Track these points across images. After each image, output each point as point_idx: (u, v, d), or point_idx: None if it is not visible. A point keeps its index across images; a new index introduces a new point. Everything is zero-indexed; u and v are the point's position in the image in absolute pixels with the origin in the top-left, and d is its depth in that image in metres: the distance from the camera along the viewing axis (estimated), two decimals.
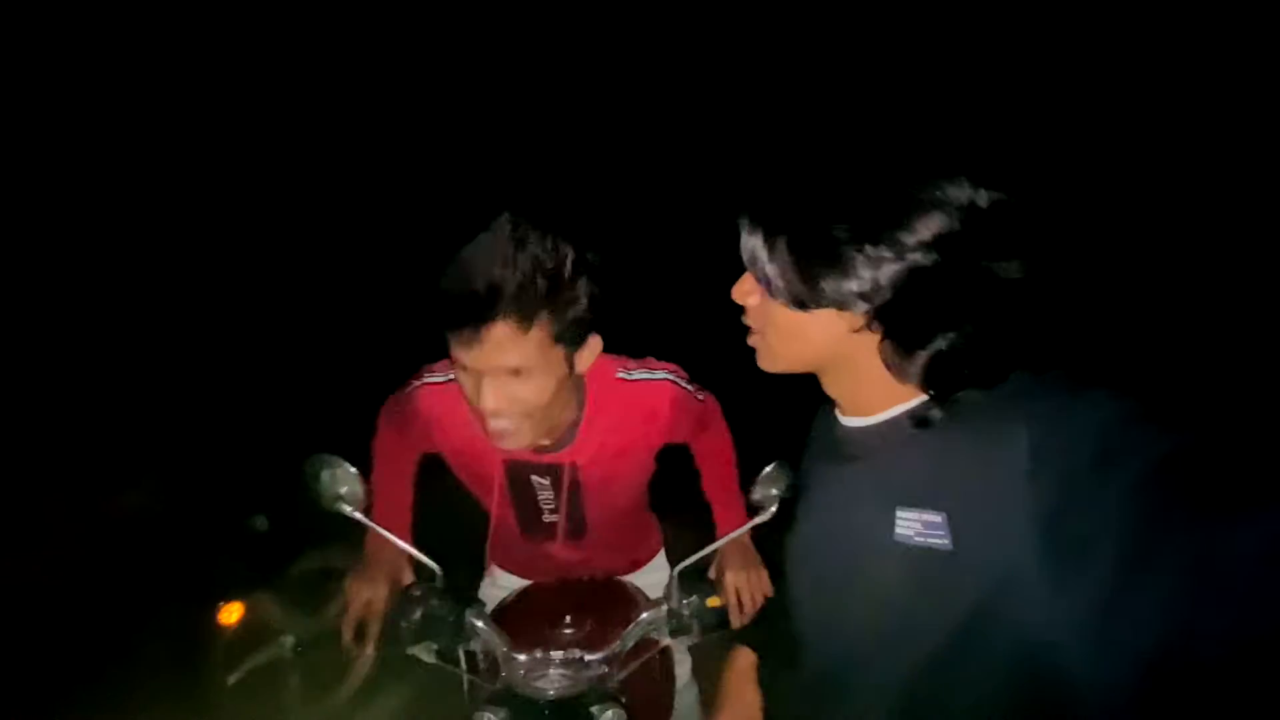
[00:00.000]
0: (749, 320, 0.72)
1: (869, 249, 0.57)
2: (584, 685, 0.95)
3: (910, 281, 0.57)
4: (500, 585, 1.38)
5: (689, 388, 1.19)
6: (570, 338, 0.90)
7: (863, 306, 0.60)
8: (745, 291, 0.70)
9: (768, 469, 1.05)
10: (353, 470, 1.03)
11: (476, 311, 0.81)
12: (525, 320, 0.83)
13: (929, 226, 0.56)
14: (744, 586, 1.11)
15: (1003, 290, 0.58)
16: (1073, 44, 4.35)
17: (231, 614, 1.76)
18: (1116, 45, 4.26)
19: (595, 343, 0.96)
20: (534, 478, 1.15)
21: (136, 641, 2.12)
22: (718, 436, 1.33)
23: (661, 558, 1.47)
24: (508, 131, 5.14)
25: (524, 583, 1.33)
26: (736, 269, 0.70)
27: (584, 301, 0.89)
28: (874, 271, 0.58)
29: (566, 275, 0.86)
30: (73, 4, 3.81)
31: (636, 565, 1.41)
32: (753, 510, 1.06)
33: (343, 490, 1.02)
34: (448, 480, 1.25)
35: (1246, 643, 0.42)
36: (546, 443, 1.07)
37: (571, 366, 0.93)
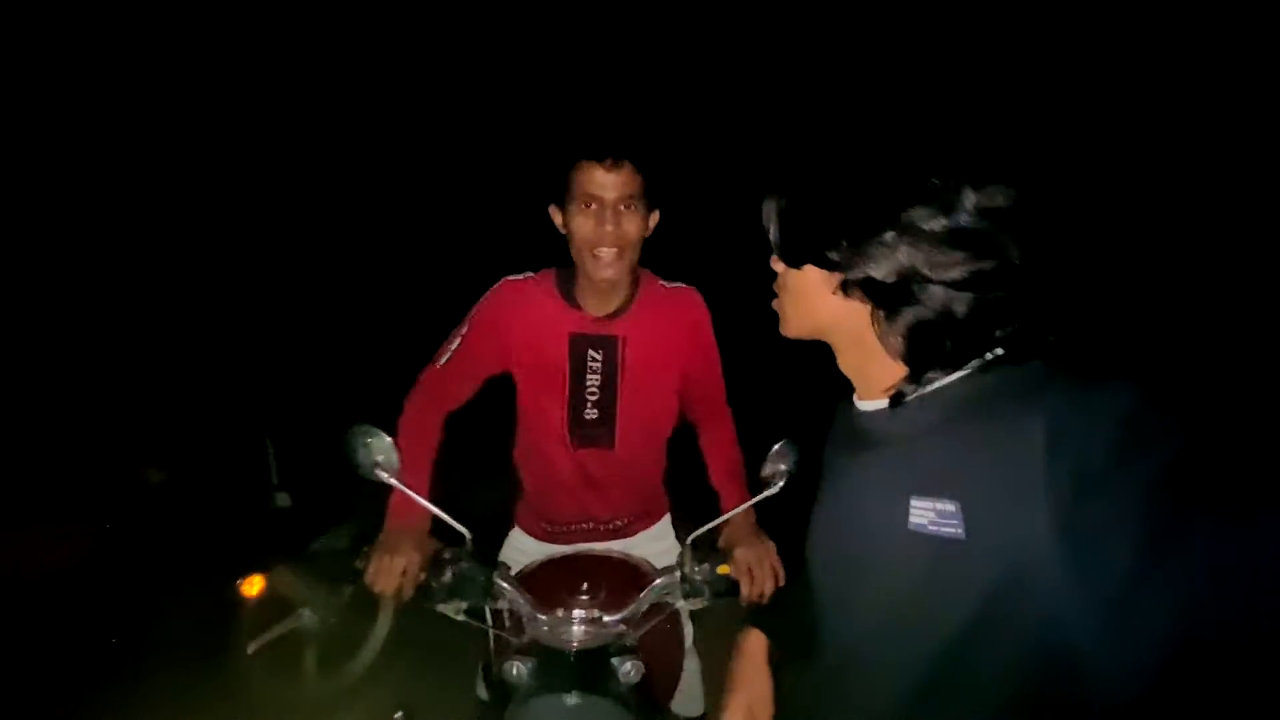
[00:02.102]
0: (777, 286, 0.78)
1: (850, 218, 0.64)
2: (605, 639, 1.02)
3: (882, 253, 0.62)
4: (521, 550, 1.47)
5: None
6: (653, 197, 1.25)
7: (837, 265, 0.66)
8: (773, 260, 0.77)
9: (776, 446, 1.12)
10: (388, 439, 1.10)
11: (619, 149, 1.16)
12: (639, 168, 1.19)
13: (910, 213, 0.61)
14: (752, 558, 1.17)
15: (984, 270, 0.60)
16: (1075, 39, 4.37)
17: (253, 587, 1.83)
18: (1120, 41, 4.28)
19: (655, 216, 1.29)
20: (590, 352, 1.34)
21: (160, 615, 2.19)
22: (725, 426, 1.47)
23: (667, 524, 1.56)
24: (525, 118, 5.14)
25: (543, 548, 1.43)
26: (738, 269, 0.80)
27: (655, 175, 1.24)
28: (849, 236, 0.64)
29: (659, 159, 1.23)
30: (73, 4, 3.83)
31: (646, 518, 1.51)
32: (761, 487, 1.14)
33: (379, 458, 1.08)
34: (470, 456, 1.32)
35: (1263, 637, 0.43)
36: (608, 311, 1.33)
37: (646, 224, 1.26)
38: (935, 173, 0.61)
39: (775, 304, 0.79)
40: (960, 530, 0.57)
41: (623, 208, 1.18)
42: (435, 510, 1.08)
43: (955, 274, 0.60)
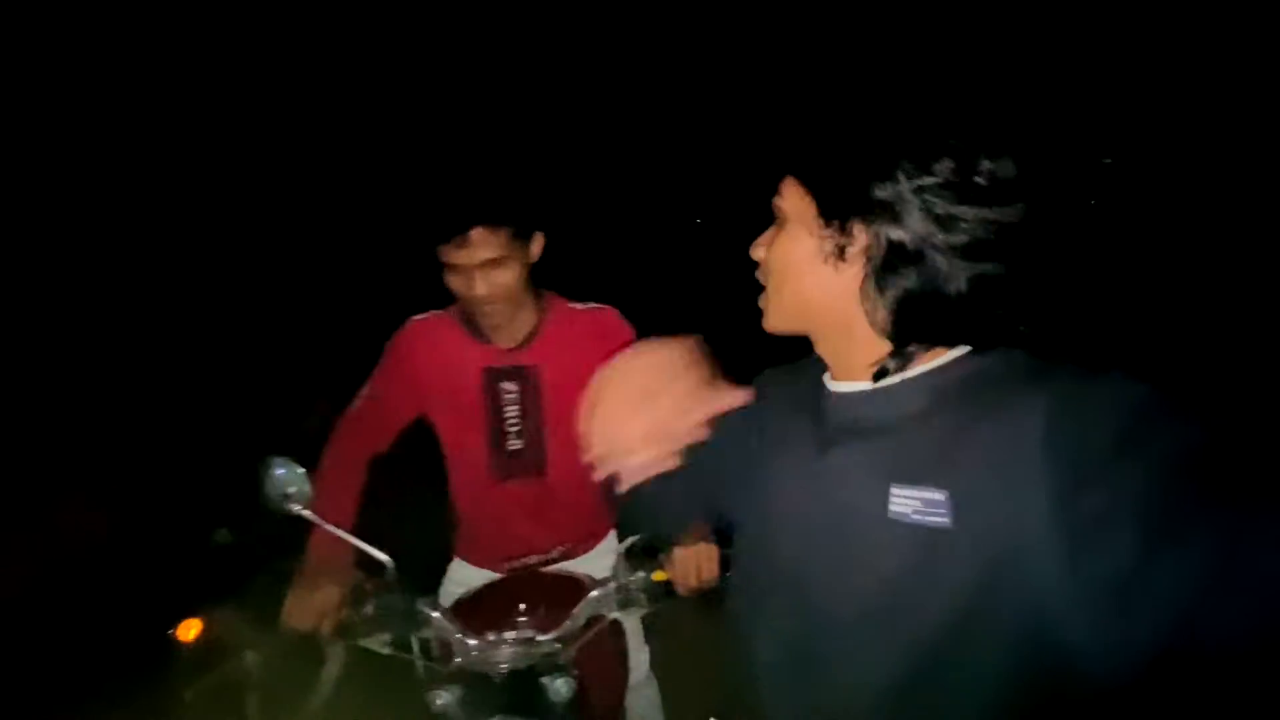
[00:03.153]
0: (761, 275, 0.73)
1: (898, 167, 0.59)
2: (535, 659, 0.99)
3: (903, 208, 0.59)
4: (462, 580, 1.43)
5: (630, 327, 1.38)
6: (520, 233, 1.22)
7: (883, 227, 0.60)
8: (759, 243, 0.72)
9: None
10: (300, 470, 1.06)
11: (463, 222, 1.15)
12: (483, 230, 1.15)
13: (935, 165, 0.58)
14: (689, 559, 1.16)
15: (1002, 242, 0.58)
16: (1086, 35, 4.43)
17: (190, 630, 1.73)
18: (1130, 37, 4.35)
19: (540, 237, 1.27)
20: (504, 384, 1.32)
21: (89, 662, 2.07)
22: None
23: (611, 540, 1.52)
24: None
25: (484, 575, 1.38)
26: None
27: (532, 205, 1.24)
28: (895, 188, 0.59)
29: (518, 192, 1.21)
30: (73, 4, 3.71)
31: (591, 539, 1.47)
32: None
33: (290, 490, 1.04)
34: (409, 486, 1.29)
35: (1261, 634, 0.42)
36: (517, 341, 1.32)
37: (524, 258, 1.24)
38: (954, 133, 0.59)
39: (761, 299, 0.73)
40: (947, 519, 0.55)
41: (487, 268, 1.18)
42: (352, 540, 1.05)
43: (958, 239, 0.58)
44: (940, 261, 0.59)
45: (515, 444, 1.34)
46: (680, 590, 1.12)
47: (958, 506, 0.55)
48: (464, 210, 1.15)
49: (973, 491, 0.55)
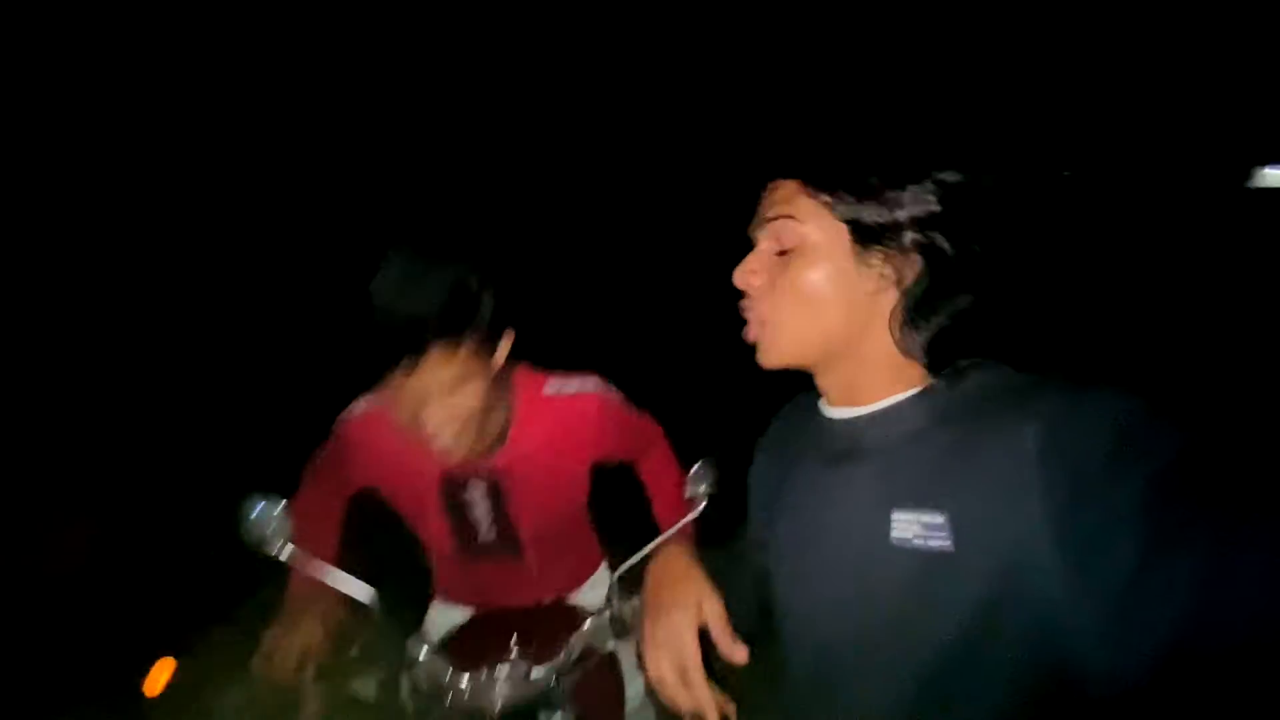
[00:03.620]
0: (753, 305, 0.68)
1: (917, 184, 0.60)
2: (531, 695, 0.96)
3: (956, 229, 0.59)
4: (443, 623, 1.37)
5: (616, 396, 1.23)
6: (490, 343, 0.99)
7: (909, 237, 0.60)
8: (750, 270, 0.67)
9: (694, 468, 1.09)
10: (278, 507, 1.02)
11: (411, 344, 0.89)
12: (453, 342, 0.91)
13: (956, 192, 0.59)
14: None
15: (1012, 268, 0.59)
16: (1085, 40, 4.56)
17: (161, 675, 1.65)
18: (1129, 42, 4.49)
19: (509, 337, 1.03)
20: (469, 487, 1.17)
21: (63, 705, 1.96)
22: (662, 459, 1.37)
23: (604, 571, 1.48)
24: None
25: (469, 611, 1.33)
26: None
27: (491, 311, 0.97)
28: (919, 208, 0.60)
29: (474, 292, 0.94)
30: (73, 4, 3.60)
31: (578, 583, 1.42)
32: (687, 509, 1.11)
33: (269, 529, 1.00)
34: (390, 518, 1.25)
35: (1261, 642, 0.43)
36: (483, 447, 1.11)
37: (492, 365, 1.01)
38: (977, 158, 0.60)
39: (754, 330, 0.68)
40: (949, 542, 0.55)
41: (448, 389, 0.95)
42: (334, 574, 1.01)
43: (978, 261, 0.59)
44: (971, 279, 0.60)
45: (488, 536, 1.23)
46: None
47: (958, 529, 0.55)
48: (414, 332, 0.89)
49: (972, 513, 0.55)
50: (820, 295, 0.63)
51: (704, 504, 1.08)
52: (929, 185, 0.60)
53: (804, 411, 0.77)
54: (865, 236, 0.62)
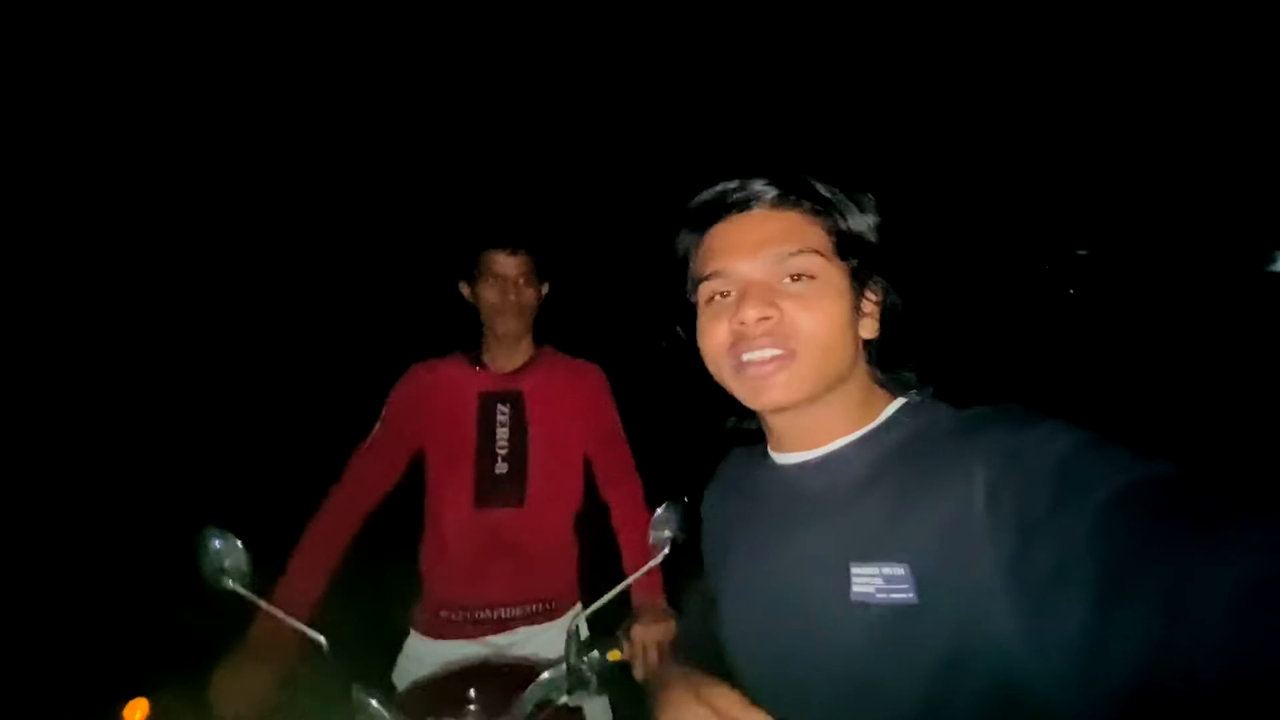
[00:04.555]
0: (768, 340, 0.62)
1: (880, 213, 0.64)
2: None
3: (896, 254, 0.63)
4: (416, 657, 1.37)
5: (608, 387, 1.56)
6: (541, 274, 1.48)
7: (891, 275, 0.64)
8: (767, 303, 0.61)
9: (658, 511, 1.06)
10: (238, 544, 1.01)
11: (517, 240, 1.43)
12: (522, 250, 1.44)
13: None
14: (650, 637, 1.10)
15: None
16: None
17: (135, 713, 1.63)
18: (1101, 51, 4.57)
19: (546, 287, 1.51)
20: (498, 406, 1.46)
21: None
22: (632, 499, 1.47)
23: (578, 610, 1.48)
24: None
25: (441, 648, 1.36)
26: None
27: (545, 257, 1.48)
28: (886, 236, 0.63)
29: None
30: (73, 4, 3.81)
31: (559, 601, 1.46)
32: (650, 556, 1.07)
33: (226, 564, 1.00)
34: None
35: (1224, 674, 0.40)
36: (514, 366, 1.49)
37: (539, 293, 1.49)
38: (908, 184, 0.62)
39: (771, 365, 0.62)
40: (912, 594, 0.54)
41: (521, 282, 1.43)
42: (285, 618, 0.99)
43: (921, 285, 0.63)
44: (911, 307, 0.63)
45: (501, 468, 1.44)
46: (638, 673, 1.06)
47: (920, 578, 0.54)
48: (526, 228, 1.44)
49: (930, 561, 0.53)
50: (832, 329, 0.62)
51: (667, 549, 1.05)
52: (893, 219, 0.63)
53: (750, 459, 0.75)
54: (867, 268, 0.64)
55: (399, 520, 1.52)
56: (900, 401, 0.64)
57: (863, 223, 0.63)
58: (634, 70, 5.03)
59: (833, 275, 0.62)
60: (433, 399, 1.47)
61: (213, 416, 4.05)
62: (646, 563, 1.25)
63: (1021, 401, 0.58)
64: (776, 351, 0.62)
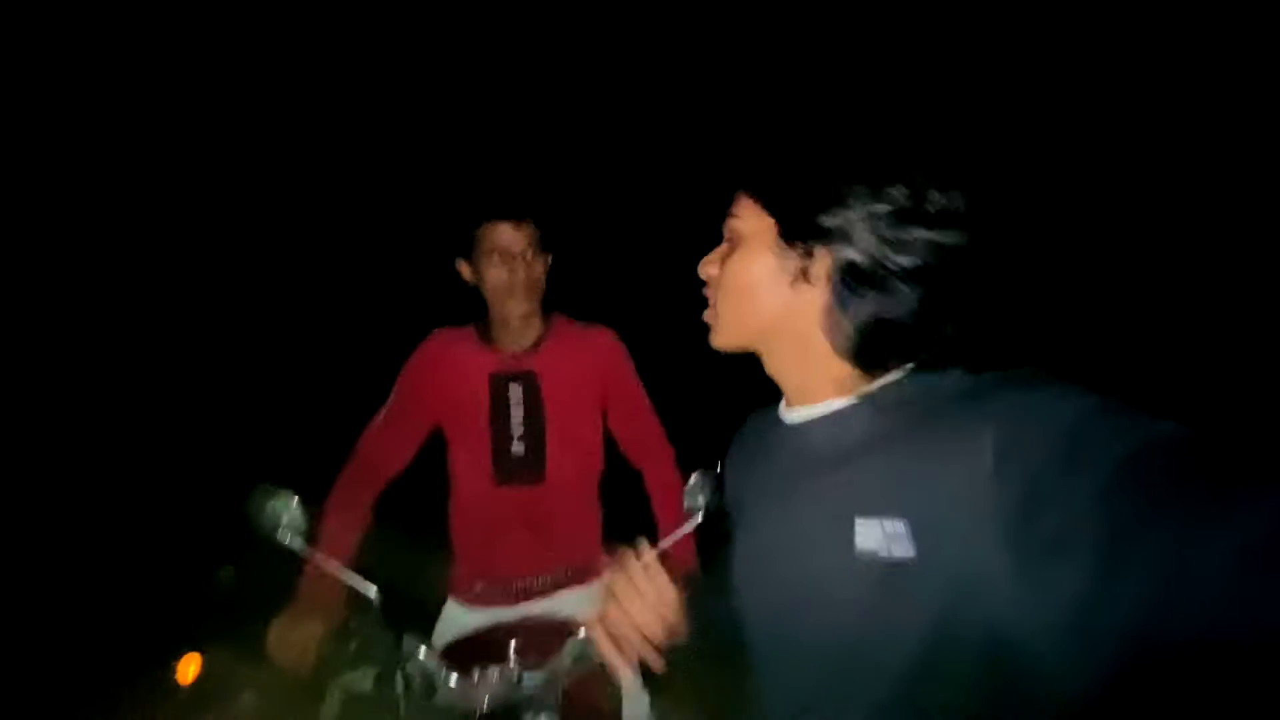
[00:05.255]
0: (710, 292, 0.74)
1: (855, 193, 0.62)
2: (519, 698, 0.97)
3: (862, 229, 0.61)
4: (454, 623, 1.42)
5: (625, 349, 1.50)
6: (542, 245, 1.38)
7: (827, 236, 0.63)
8: (708, 262, 0.74)
9: (692, 478, 1.09)
10: (295, 499, 1.07)
11: (521, 209, 1.33)
12: (526, 221, 1.34)
13: (890, 190, 0.61)
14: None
15: (948, 265, 0.60)
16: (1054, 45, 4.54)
17: (189, 668, 1.73)
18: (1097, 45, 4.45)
19: (549, 258, 1.42)
20: (510, 386, 1.41)
21: (87, 699, 2.07)
22: (665, 467, 1.47)
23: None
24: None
25: (477, 616, 1.39)
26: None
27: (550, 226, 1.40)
28: (851, 213, 0.62)
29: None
30: (73, 4, 3.85)
31: (583, 574, 1.47)
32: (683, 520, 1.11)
33: (284, 519, 1.06)
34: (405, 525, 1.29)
35: (1221, 643, 0.41)
36: (523, 346, 1.43)
37: (546, 265, 1.41)
38: (909, 162, 0.62)
39: (707, 314, 0.75)
40: (911, 550, 0.55)
41: (529, 255, 1.34)
42: (340, 572, 1.05)
43: (909, 262, 0.60)
44: (893, 284, 0.61)
45: (518, 448, 1.42)
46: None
47: (919, 536, 0.55)
48: (527, 198, 1.35)
49: (932, 521, 0.55)
50: (744, 284, 0.69)
51: (700, 516, 1.08)
52: (851, 191, 0.62)
53: (764, 420, 0.78)
54: (787, 232, 0.66)
55: (424, 485, 1.52)
56: (908, 366, 0.65)
57: (800, 194, 0.65)
58: (637, 33, 4.98)
59: (750, 236, 0.68)
60: (445, 378, 1.42)
61: (232, 390, 4.16)
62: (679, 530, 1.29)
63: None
64: (711, 300, 0.74)
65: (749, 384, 0.80)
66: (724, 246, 0.73)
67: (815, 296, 0.65)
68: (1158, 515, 0.44)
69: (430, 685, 1.02)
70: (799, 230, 0.65)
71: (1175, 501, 0.44)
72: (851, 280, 0.62)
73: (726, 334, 0.73)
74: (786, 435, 0.71)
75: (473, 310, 1.47)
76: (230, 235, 4.76)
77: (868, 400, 0.64)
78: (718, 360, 0.79)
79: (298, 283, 4.90)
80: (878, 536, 0.57)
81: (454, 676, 0.98)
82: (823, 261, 0.64)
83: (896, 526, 0.56)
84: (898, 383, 0.64)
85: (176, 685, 1.71)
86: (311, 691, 1.85)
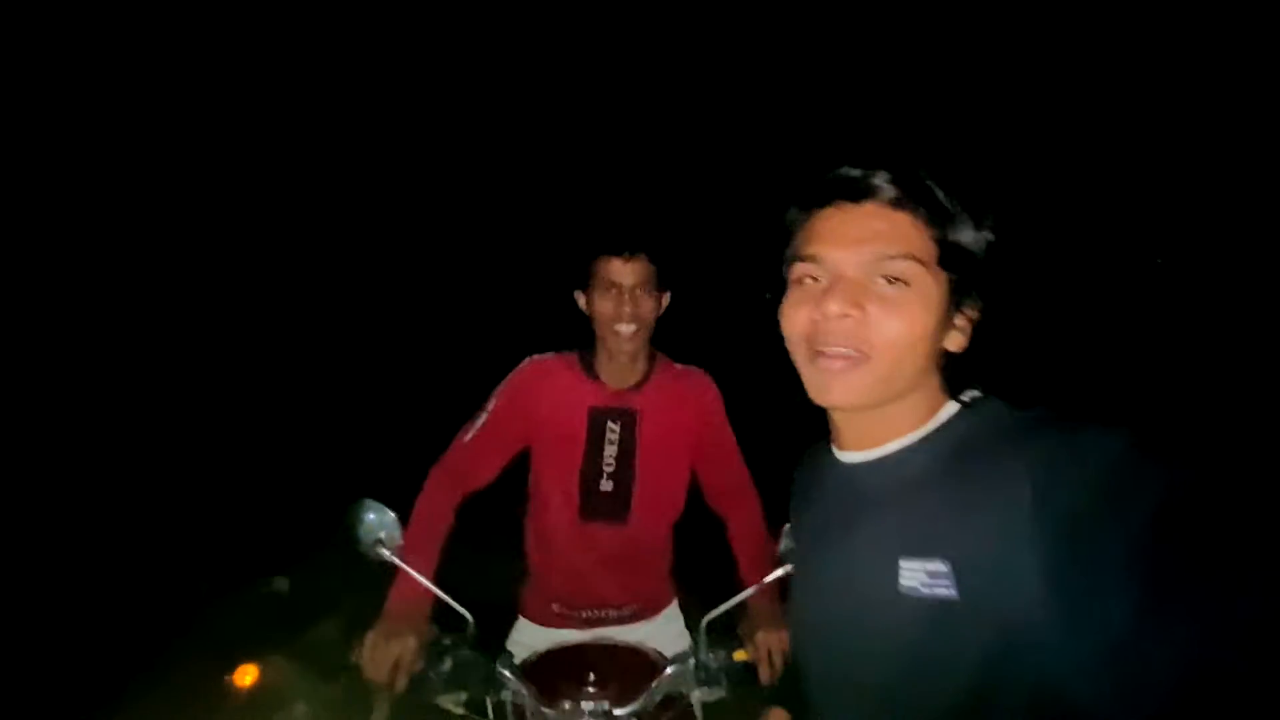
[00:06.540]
0: (844, 339, 0.61)
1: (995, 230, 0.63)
2: None
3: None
4: (526, 640, 1.40)
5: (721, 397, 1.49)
6: (664, 281, 1.38)
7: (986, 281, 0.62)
8: (851, 302, 0.61)
9: (788, 524, 1.08)
10: (392, 515, 1.08)
11: (634, 244, 1.32)
12: (645, 258, 1.33)
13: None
14: (773, 641, 1.11)
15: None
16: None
17: (245, 676, 1.73)
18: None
19: (667, 297, 1.41)
20: (609, 423, 1.40)
21: (149, 703, 2.07)
22: (750, 512, 1.46)
23: (675, 611, 1.52)
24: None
25: (550, 635, 1.38)
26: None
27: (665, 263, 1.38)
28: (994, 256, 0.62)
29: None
30: (73, 4, 3.89)
31: (655, 605, 1.48)
32: (775, 566, 1.09)
33: (382, 535, 1.06)
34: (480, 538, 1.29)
35: (1259, 688, 0.41)
36: (627, 384, 1.41)
37: (659, 304, 1.39)
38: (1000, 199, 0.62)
39: (846, 363, 0.62)
40: (953, 590, 0.55)
41: (639, 291, 1.32)
42: (437, 592, 1.05)
43: (1005, 296, 0.62)
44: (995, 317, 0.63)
45: (607, 485, 1.40)
46: (763, 674, 1.07)
47: (961, 577, 0.55)
48: (644, 233, 1.35)
49: (974, 562, 0.55)
50: (915, 336, 0.61)
51: (789, 565, 1.07)
52: (996, 233, 0.62)
53: (816, 460, 0.77)
54: (961, 287, 0.62)
55: (500, 502, 1.51)
56: (955, 406, 0.65)
57: (973, 238, 0.62)
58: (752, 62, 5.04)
59: (928, 285, 0.61)
60: (542, 403, 1.40)
61: (292, 405, 4.23)
62: (765, 575, 1.28)
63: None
64: (851, 351, 0.61)
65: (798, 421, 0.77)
66: (863, 284, 0.62)
67: (949, 342, 0.64)
68: (1195, 560, 0.44)
69: (522, 714, 1.01)
70: (973, 279, 0.63)
71: (1212, 546, 0.45)
72: (990, 318, 0.64)
73: (872, 393, 0.62)
74: (839, 475, 0.70)
75: (545, 341, 1.48)
76: (330, 252, 4.86)
77: (916, 444, 0.64)
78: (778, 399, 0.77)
79: (371, 297, 4.98)
80: (921, 576, 0.57)
81: (549, 710, 0.97)
82: (975, 308, 0.64)
83: (939, 566, 0.56)
84: (948, 423, 0.64)
85: (234, 694, 1.72)
86: (361, 702, 1.85)
